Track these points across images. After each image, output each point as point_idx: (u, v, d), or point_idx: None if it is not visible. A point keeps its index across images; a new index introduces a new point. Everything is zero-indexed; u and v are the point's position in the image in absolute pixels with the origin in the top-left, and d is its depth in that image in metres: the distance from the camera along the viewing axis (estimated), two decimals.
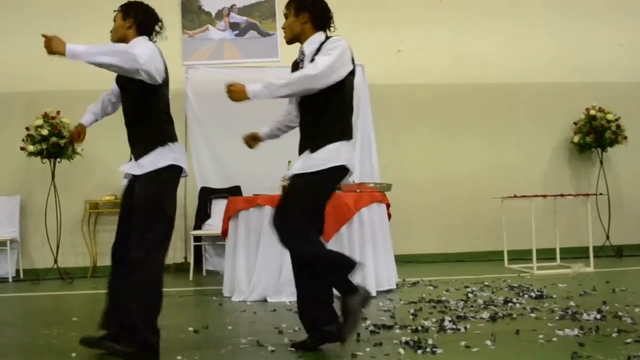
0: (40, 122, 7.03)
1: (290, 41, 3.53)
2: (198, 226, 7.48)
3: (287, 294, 5.02)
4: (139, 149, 3.36)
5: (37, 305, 5.46)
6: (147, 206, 3.23)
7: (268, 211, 5.14)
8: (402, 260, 6.10)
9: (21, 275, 7.41)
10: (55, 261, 7.22)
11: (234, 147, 7.65)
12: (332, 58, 3.26)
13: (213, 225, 7.19)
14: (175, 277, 7.17)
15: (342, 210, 5.17)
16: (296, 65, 3.55)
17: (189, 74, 7.91)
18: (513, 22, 8.60)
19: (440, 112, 8.38)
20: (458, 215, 8.13)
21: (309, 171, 3.33)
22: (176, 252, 7.89)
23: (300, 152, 3.50)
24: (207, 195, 7.58)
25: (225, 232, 5.53)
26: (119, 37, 3.39)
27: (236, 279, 5.26)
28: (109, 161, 7.74)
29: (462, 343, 3.38)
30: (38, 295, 6.12)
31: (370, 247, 5.26)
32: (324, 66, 3.22)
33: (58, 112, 7.10)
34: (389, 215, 5.76)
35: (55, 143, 7.01)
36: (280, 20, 8.32)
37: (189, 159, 7.65)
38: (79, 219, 7.66)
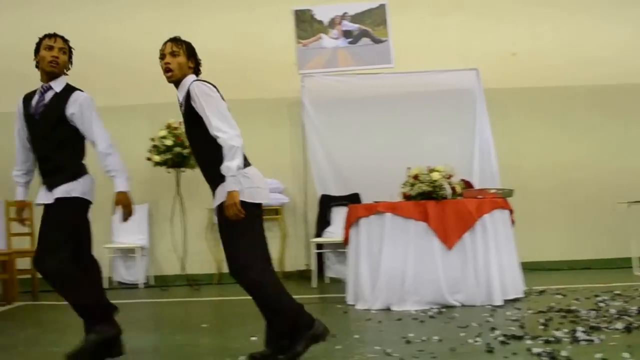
0: (164, 132, 7.35)
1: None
2: (319, 234, 7.57)
3: (412, 303, 5.01)
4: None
5: (167, 311, 5.72)
6: None
7: (389, 218, 5.15)
8: (527, 268, 5.89)
9: (150, 282, 7.80)
10: (183, 268, 7.53)
11: (351, 154, 7.80)
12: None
13: (334, 233, 7.25)
14: (298, 284, 7.29)
15: (464, 217, 5.08)
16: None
17: (304, 83, 8.03)
18: (631, 21, 8.21)
19: (560, 115, 8.14)
20: (582, 221, 7.86)
21: None
22: (298, 259, 8.05)
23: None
24: (327, 203, 7.67)
25: (346, 240, 5.57)
26: (183, 74, 3.42)
27: (359, 287, 5.28)
28: None
29: (598, 355, 3.21)
30: (167, 301, 6.40)
31: (494, 253, 5.14)
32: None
33: (180, 123, 7.40)
34: (513, 222, 5.59)
35: (179, 153, 7.31)
36: (392, 25, 8.37)
37: (307, 166, 7.94)
38: (203, 227, 7.97)
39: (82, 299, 3.44)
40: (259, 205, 3.40)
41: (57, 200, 3.48)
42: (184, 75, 3.39)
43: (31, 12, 8.16)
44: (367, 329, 4.35)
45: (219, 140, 3.19)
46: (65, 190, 3.49)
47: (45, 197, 3.54)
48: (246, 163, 3.35)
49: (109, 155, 3.52)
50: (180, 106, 3.44)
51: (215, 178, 3.32)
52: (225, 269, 7.86)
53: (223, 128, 3.22)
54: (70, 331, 3.95)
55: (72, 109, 3.54)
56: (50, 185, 3.53)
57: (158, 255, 8.11)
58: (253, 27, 8.36)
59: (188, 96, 3.32)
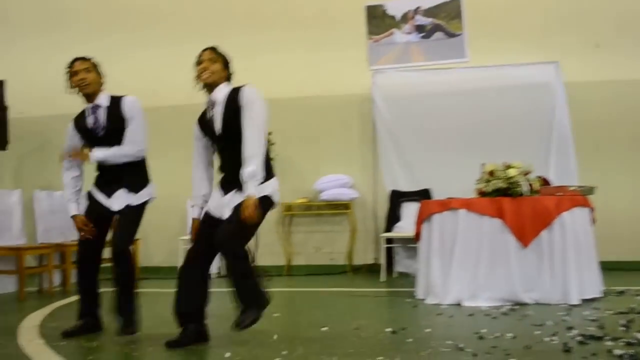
0: None
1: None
2: (389, 229, 7.55)
3: (484, 299, 4.93)
4: None
5: None
6: None
7: (463, 215, 5.07)
8: (606, 268, 5.67)
9: (223, 272, 7.90)
10: (254, 259, 7.61)
11: (423, 150, 7.73)
12: None
13: (404, 228, 7.23)
14: (366, 278, 7.30)
15: (542, 214, 4.95)
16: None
17: (376, 79, 8.01)
18: None
19: None
20: None
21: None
22: (367, 253, 8.05)
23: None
24: (397, 199, 7.63)
25: (417, 235, 5.52)
26: (216, 80, 3.64)
27: (430, 282, 5.23)
28: (302, 166, 8.08)
29: None
30: None
31: (572, 252, 4.98)
32: None
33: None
34: (594, 220, 5.40)
35: None
36: (466, 19, 8.23)
37: (377, 161, 7.91)
38: (274, 221, 8.07)
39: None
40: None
41: (137, 205, 3.98)
42: (218, 80, 3.64)
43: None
44: (438, 324, 4.29)
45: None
46: (146, 193, 4.02)
47: (117, 203, 3.95)
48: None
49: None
50: (211, 107, 3.65)
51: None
52: (295, 262, 8.02)
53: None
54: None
55: (128, 113, 3.95)
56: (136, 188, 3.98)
57: None
58: (324, 24, 8.36)
59: (232, 98, 3.58)
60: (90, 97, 3.96)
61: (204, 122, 3.70)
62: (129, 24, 8.73)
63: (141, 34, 8.55)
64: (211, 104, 3.65)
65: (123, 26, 8.65)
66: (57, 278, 6.84)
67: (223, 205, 3.62)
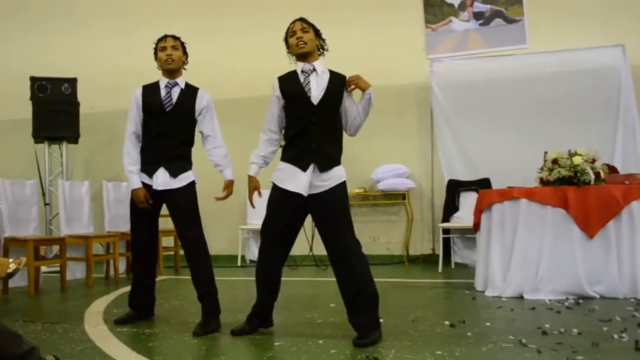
0: None
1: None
2: (446, 219, 7.42)
3: (546, 292, 4.77)
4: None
5: (296, 290, 5.78)
6: None
7: (524, 204, 4.91)
8: None
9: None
10: (311, 249, 7.61)
11: (481, 139, 7.55)
12: None
13: (462, 218, 7.10)
14: (423, 269, 7.20)
15: (609, 204, 4.74)
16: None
17: (433, 67, 7.88)
18: None
19: None
20: None
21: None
22: (424, 243, 7.95)
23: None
24: (454, 188, 7.49)
25: (477, 225, 5.38)
26: (313, 48, 3.66)
27: (490, 274, 5.09)
28: (358, 156, 8.00)
29: None
30: (296, 280, 6.48)
31: None
32: None
33: None
34: None
35: None
36: (526, 4, 7.98)
37: (434, 151, 7.79)
38: None
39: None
40: None
41: (189, 184, 4.00)
42: (314, 50, 3.64)
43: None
44: (499, 317, 4.16)
45: (356, 125, 3.64)
46: (191, 175, 4.02)
47: (170, 182, 3.96)
48: None
49: (222, 148, 4.08)
50: (307, 73, 3.60)
51: (334, 158, 3.59)
52: None
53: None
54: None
55: (202, 104, 4.05)
56: (175, 171, 3.96)
57: None
58: (381, 14, 8.32)
59: (337, 78, 3.62)
60: (171, 73, 4.06)
61: (293, 86, 3.60)
62: (194, 13, 8.88)
63: (206, 24, 8.68)
64: (308, 72, 3.61)
65: (186, 15, 8.79)
66: (122, 265, 7.03)
67: (310, 183, 3.52)
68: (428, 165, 8.01)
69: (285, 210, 3.55)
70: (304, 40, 3.59)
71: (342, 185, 3.56)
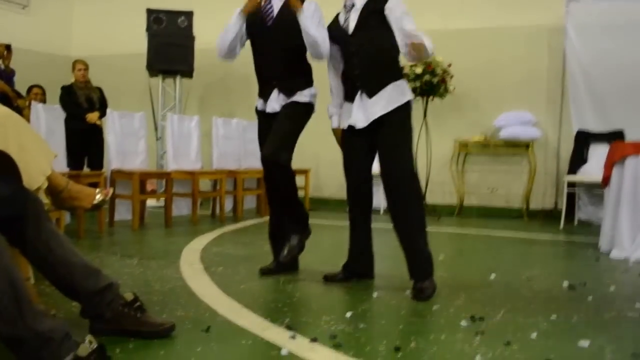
0: None
1: None
2: (572, 171, 6.94)
3: None
4: None
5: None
6: None
7: None
8: None
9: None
10: (424, 197, 7.40)
11: (618, 87, 6.93)
12: None
13: (590, 172, 6.62)
14: (544, 224, 6.82)
15: None
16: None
17: (569, 8, 7.27)
18: None
19: None
20: None
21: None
22: (546, 197, 7.53)
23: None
24: (584, 139, 6.99)
25: (606, 180, 4.95)
26: None
27: (617, 233, 4.68)
28: (481, 101, 7.65)
29: None
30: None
31: None
32: None
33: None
34: None
35: (428, 81, 7.13)
36: None
37: (565, 99, 7.25)
38: (448, 158, 7.76)
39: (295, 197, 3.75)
40: None
41: (297, 103, 3.68)
42: None
43: None
44: (625, 282, 3.81)
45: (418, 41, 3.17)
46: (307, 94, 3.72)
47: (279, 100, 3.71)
48: None
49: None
50: (348, 9, 3.46)
51: (382, 80, 3.37)
52: (467, 202, 7.71)
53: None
54: None
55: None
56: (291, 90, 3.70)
57: None
58: None
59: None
60: None
61: (337, 26, 3.50)
62: None
63: None
64: (349, 7, 3.46)
65: None
66: (229, 203, 7.07)
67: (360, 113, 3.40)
68: (556, 114, 7.51)
69: None
70: None
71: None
